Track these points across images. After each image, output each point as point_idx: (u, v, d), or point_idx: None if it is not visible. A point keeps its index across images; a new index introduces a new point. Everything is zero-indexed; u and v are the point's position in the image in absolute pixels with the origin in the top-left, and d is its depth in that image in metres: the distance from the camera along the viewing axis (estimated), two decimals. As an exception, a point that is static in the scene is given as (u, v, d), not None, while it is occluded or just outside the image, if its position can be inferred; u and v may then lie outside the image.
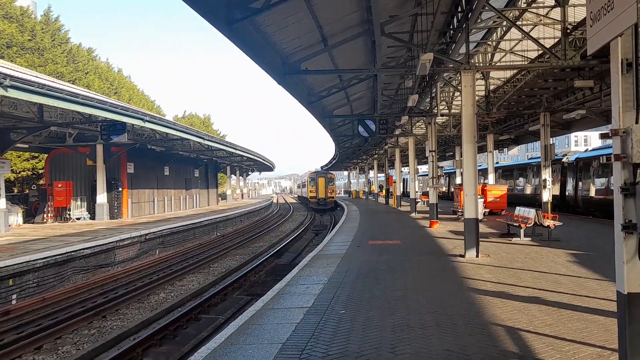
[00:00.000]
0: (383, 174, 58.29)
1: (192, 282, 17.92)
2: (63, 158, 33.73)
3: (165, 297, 15.65)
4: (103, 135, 26.93)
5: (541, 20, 18.11)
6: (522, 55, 20.87)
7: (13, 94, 17.67)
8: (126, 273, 18.86)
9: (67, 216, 31.24)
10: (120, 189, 33.60)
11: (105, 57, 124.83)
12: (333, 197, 56.64)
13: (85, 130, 29.66)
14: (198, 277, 18.84)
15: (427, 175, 38.80)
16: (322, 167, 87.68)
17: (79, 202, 32.15)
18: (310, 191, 56.75)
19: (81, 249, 18.57)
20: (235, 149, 49.21)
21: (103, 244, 20.15)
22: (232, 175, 79.36)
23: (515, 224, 18.03)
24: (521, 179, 38.92)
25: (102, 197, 32.10)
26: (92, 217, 32.37)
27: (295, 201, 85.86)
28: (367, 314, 8.48)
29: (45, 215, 31.12)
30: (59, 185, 31.04)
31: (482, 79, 24.83)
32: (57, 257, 17.11)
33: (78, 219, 31.45)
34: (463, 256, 14.19)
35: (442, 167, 44.28)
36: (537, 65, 17.37)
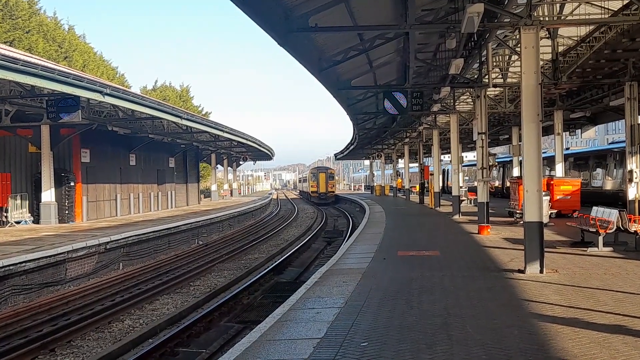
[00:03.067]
0: (416, 164, 58.26)
1: (166, 305, 18.00)
2: (-2, 143, 33.92)
3: (131, 324, 15.73)
4: (50, 113, 27.06)
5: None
6: (601, 7, 20.67)
7: None
8: (81, 293, 18.96)
9: (4, 219, 31.43)
10: (72, 184, 33.78)
11: (51, 10, 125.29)
12: (333, 192, 77.25)
13: (27, 107, 29.80)
14: (174, 298, 18.92)
15: (474, 165, 38.70)
16: (335, 155, 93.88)
17: (18, 201, 32.34)
18: (312, 186, 77.31)
19: (22, 262, 18.68)
20: (222, 131, 49.34)
21: (50, 256, 20.25)
22: (219, 166, 79.62)
23: (591, 230, 17.94)
24: (599, 170, 38.71)
25: (48, 195, 32.28)
26: (36, 221, 32.57)
27: (303, 201, 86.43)
28: (396, 348, 8.48)
29: (-25, 218, 31.35)
30: (-7, 179, 31.24)
31: (547, 37, 24.64)
32: (-9, 272, 17.23)
33: (18, 222, 31.66)
34: (522, 272, 14.15)
35: (494, 154, 44.15)
36: (621, 20, 17.23)
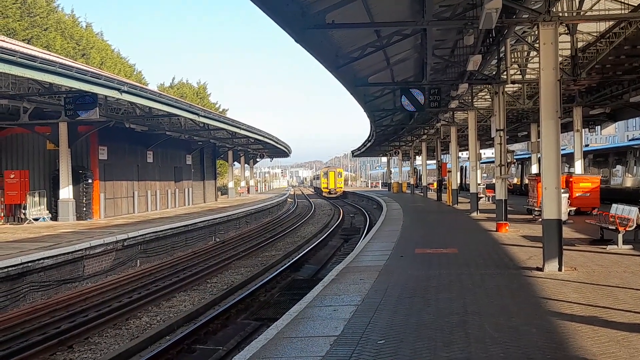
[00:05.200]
0: (434, 161, 58.17)
1: (183, 302, 18.08)
2: (16, 140, 34.15)
3: (149, 321, 15.81)
4: (68, 110, 27.20)
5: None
6: (621, 2, 20.53)
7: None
8: (98, 290, 19.08)
9: (22, 216, 31.69)
10: (90, 181, 33.94)
11: (69, 8, 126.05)
12: (341, 187, 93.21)
13: (45, 104, 29.98)
14: (192, 295, 19.00)
15: (492, 162, 38.55)
16: (353, 152, 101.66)
17: (37, 198, 32.60)
18: (323, 182, 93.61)
19: (40, 259, 18.82)
20: (240, 128, 49.45)
21: (68, 253, 20.40)
22: (236, 163, 79.77)
23: (611, 227, 17.82)
24: (619, 167, 38.44)
25: (66, 192, 32.49)
26: (54, 218, 32.78)
27: (320, 200, 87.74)
28: (413, 346, 8.48)
29: (-7, 215, 31.61)
30: (11, 176, 31.47)
31: (567, 33, 24.49)
32: (10, 269, 17.37)
33: (36, 219, 31.89)
34: (541, 269, 14.10)
35: (513, 151, 43.95)
36: (641, 15, 17.05)
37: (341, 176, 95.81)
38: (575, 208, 27.96)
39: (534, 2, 16.64)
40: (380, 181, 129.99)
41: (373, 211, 51.12)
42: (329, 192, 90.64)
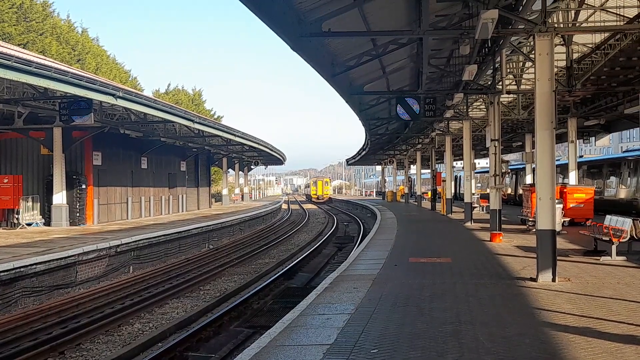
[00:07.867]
0: (428, 170, 58.30)
1: (176, 309, 18.02)
2: (10, 145, 34.09)
3: (141, 328, 15.75)
4: (62, 115, 27.18)
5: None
6: (616, 14, 20.63)
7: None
8: (91, 296, 19.00)
9: (15, 221, 31.59)
10: (83, 187, 33.89)
11: (65, 13, 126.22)
12: (328, 194, 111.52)
13: (40, 109, 29.94)
14: (184, 302, 18.94)
15: (487, 172, 38.63)
16: (347, 161, 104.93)
17: (30, 203, 32.49)
18: (313, 190, 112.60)
19: (33, 264, 18.75)
20: (234, 135, 49.41)
21: (61, 258, 20.32)
22: (230, 170, 79.75)
23: (604, 239, 17.85)
24: (613, 179, 38.54)
25: (60, 197, 32.41)
26: (47, 223, 32.69)
27: (314, 207, 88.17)
28: (407, 355, 8.47)
29: (-14, 220, 31.50)
30: (5, 181, 31.38)
31: (562, 44, 24.60)
32: (2, 274, 17.30)
33: (29, 224, 31.78)
34: (535, 280, 14.10)
35: (507, 161, 44.10)
36: (636, 27, 17.15)
37: (328, 184, 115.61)
38: (569, 219, 28.04)
39: (530, 13, 16.71)
40: (374, 190, 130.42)
41: (367, 220, 51.14)
42: (317, 198, 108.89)
